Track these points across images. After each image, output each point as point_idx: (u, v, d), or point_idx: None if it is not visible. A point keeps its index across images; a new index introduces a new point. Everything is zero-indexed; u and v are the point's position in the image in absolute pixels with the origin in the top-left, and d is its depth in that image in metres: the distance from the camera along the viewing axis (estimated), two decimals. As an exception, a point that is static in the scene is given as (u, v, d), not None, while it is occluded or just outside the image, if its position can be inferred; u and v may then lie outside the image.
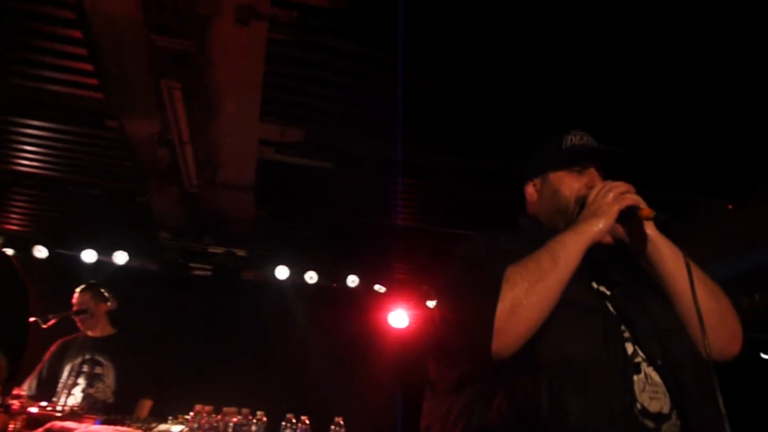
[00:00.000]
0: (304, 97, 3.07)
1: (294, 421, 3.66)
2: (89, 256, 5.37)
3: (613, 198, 1.35)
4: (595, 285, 1.40)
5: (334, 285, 5.68)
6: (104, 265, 5.40)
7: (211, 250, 5.61)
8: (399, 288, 5.80)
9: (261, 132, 3.63)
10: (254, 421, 3.51)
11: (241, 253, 5.57)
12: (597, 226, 1.32)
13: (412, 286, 5.78)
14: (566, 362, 1.21)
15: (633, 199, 1.35)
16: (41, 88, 3.26)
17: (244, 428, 3.37)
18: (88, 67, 3.01)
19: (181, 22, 2.79)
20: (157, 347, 5.30)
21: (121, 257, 5.43)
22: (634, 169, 1.53)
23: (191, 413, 3.59)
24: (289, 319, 5.68)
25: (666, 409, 1.21)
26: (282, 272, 5.46)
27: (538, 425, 1.16)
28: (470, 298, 1.30)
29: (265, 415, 3.72)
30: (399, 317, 5.78)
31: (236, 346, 5.51)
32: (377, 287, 5.83)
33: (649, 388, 1.23)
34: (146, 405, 3.73)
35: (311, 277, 5.54)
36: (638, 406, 1.19)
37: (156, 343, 5.30)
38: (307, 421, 3.75)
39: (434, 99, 3.09)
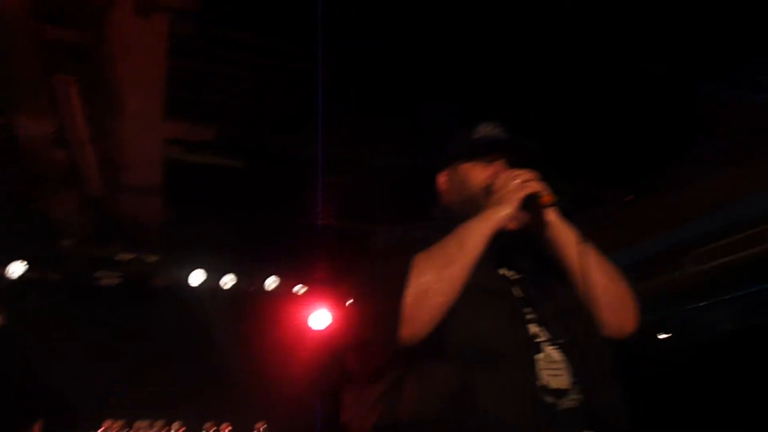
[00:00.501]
0: (211, 93, 2.95)
1: (214, 429, 3.54)
2: (-21, 268, 4.94)
3: (516, 186, 1.40)
4: (501, 271, 1.45)
5: (252, 288, 5.54)
6: (-2, 277, 4.99)
7: (119, 257, 5.31)
8: (320, 288, 5.74)
9: (167, 131, 3.46)
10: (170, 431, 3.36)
11: (151, 259, 5.30)
12: (501, 213, 1.37)
13: (333, 286, 5.73)
14: (474, 346, 1.26)
15: (535, 186, 1.39)
16: None
17: (158, 441, 3.22)
18: (-33, 59, 2.75)
19: (73, 10, 2.62)
20: (60, 362, 4.98)
21: (17, 268, 5.04)
22: (541, 160, 1.59)
23: (100, 430, 3.39)
24: (206, 325, 5.47)
25: (566, 385, 1.28)
26: (196, 277, 5.26)
27: (449, 409, 1.20)
28: (379, 287, 1.33)
29: (183, 425, 3.57)
30: (320, 318, 5.72)
31: (150, 356, 5.25)
32: (297, 288, 5.74)
33: (551, 366, 1.29)
34: (35, 428, 3.48)
35: (228, 280, 5.37)
36: (540, 383, 1.25)
37: (58, 358, 4.97)
38: (228, 428, 3.64)
39: (356, 93, 3.05)
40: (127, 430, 3.24)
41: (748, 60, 2.79)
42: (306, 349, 5.63)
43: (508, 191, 1.39)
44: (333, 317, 5.72)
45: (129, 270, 5.20)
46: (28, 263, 5.07)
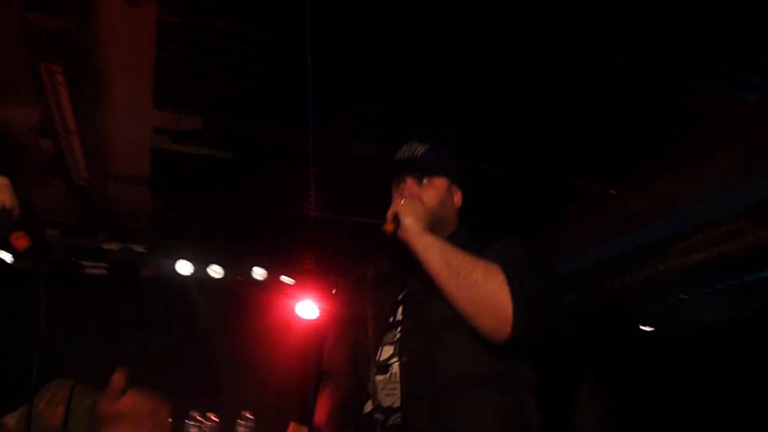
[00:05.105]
0: (199, 83, 2.94)
1: (199, 418, 3.56)
2: (-37, 258, 4.90)
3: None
4: (402, 293, 1.54)
5: (240, 278, 5.54)
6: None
7: (105, 246, 5.29)
8: (307, 279, 5.75)
9: (155, 120, 3.46)
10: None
11: (138, 248, 5.29)
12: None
13: (321, 276, 5.75)
14: (353, 371, 1.46)
15: (389, 216, 1.50)
16: None
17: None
18: (-48, 46, 2.73)
19: (61, -1, 2.61)
20: (47, 352, 4.96)
21: (3, 257, 5.00)
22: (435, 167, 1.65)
23: (86, 418, 3.39)
24: (193, 315, 5.48)
25: (397, 403, 1.35)
26: (184, 267, 5.26)
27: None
28: None
29: (169, 415, 3.58)
30: (308, 308, 5.74)
31: (136, 346, 5.24)
32: (284, 279, 5.75)
33: (389, 386, 1.37)
34: (10, 422, 3.48)
35: (215, 271, 5.37)
36: (375, 403, 1.37)
37: (42, 349, 4.96)
38: (214, 418, 3.66)
39: (345, 85, 3.04)
40: (113, 418, 3.25)
41: (728, 53, 2.83)
42: (294, 339, 5.65)
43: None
44: (320, 308, 5.75)
45: (115, 260, 5.18)
46: (13, 253, 5.04)
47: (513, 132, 3.49)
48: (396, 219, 1.46)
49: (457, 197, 1.66)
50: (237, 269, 5.45)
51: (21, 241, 1.07)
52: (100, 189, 4.44)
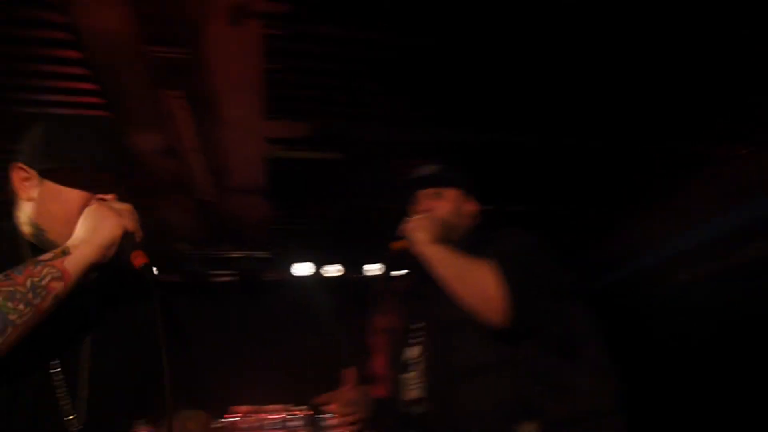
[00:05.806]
0: (306, 90, 3.05)
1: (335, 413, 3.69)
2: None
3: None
4: (424, 300, 1.74)
5: (357, 276, 5.68)
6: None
7: (231, 255, 5.64)
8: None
9: (268, 130, 3.62)
10: (298, 415, 3.55)
11: (261, 254, 5.59)
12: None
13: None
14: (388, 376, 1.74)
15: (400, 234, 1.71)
16: (44, 114, 3.27)
17: (288, 423, 3.42)
18: (89, 86, 3.01)
19: (174, 30, 2.79)
20: (189, 357, 5.36)
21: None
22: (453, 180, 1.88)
23: (228, 416, 3.63)
24: (316, 314, 5.70)
25: (418, 396, 1.60)
26: (303, 269, 5.48)
27: None
28: None
29: (308, 409, 3.76)
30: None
31: (266, 347, 5.55)
32: (398, 273, 5.81)
33: (412, 382, 1.63)
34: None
35: (334, 270, 5.55)
36: (403, 398, 1.63)
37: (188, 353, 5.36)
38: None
39: (451, 76, 3.03)
40: (257, 414, 3.47)
41: None
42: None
43: None
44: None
45: (241, 267, 5.50)
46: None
47: (631, 96, 3.30)
48: (406, 236, 1.69)
49: (471, 204, 1.87)
50: (354, 267, 5.59)
51: (139, 259, 1.22)
52: (223, 202, 4.72)
